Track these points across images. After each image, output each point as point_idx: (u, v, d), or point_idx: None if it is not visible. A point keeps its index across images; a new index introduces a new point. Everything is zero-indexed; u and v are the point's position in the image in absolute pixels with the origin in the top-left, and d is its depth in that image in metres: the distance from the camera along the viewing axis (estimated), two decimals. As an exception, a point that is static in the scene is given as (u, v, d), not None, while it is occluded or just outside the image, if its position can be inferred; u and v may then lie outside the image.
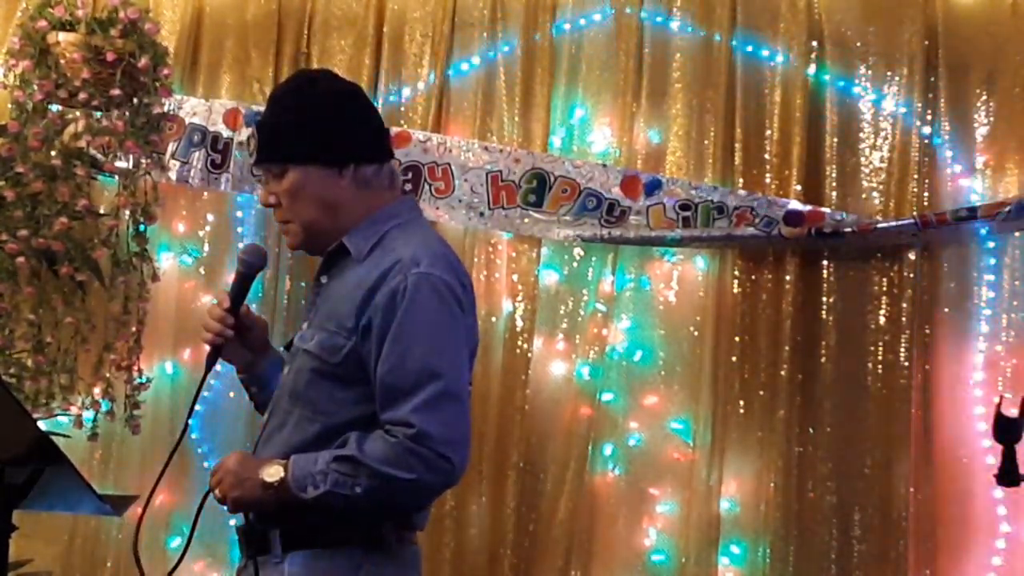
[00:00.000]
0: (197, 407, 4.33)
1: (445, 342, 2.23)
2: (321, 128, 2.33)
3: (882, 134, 4.26)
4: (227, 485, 2.26)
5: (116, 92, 4.04)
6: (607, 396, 4.30)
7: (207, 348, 2.42)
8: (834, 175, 4.26)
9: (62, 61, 4.05)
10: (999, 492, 3.94)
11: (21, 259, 3.93)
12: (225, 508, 2.30)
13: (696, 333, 4.28)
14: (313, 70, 2.63)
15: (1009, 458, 3.07)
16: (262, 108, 2.75)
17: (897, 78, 4.25)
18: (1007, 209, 4.00)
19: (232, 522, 2.35)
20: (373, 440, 2.19)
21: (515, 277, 4.37)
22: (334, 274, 2.37)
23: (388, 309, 2.21)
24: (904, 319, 4.16)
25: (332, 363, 2.27)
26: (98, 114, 4.12)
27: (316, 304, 2.39)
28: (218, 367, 2.48)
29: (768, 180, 4.29)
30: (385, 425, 2.20)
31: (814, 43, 4.31)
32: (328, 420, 2.26)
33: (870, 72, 4.28)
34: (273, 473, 2.21)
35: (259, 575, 2.27)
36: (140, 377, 4.17)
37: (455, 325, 2.25)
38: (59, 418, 4.10)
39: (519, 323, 4.34)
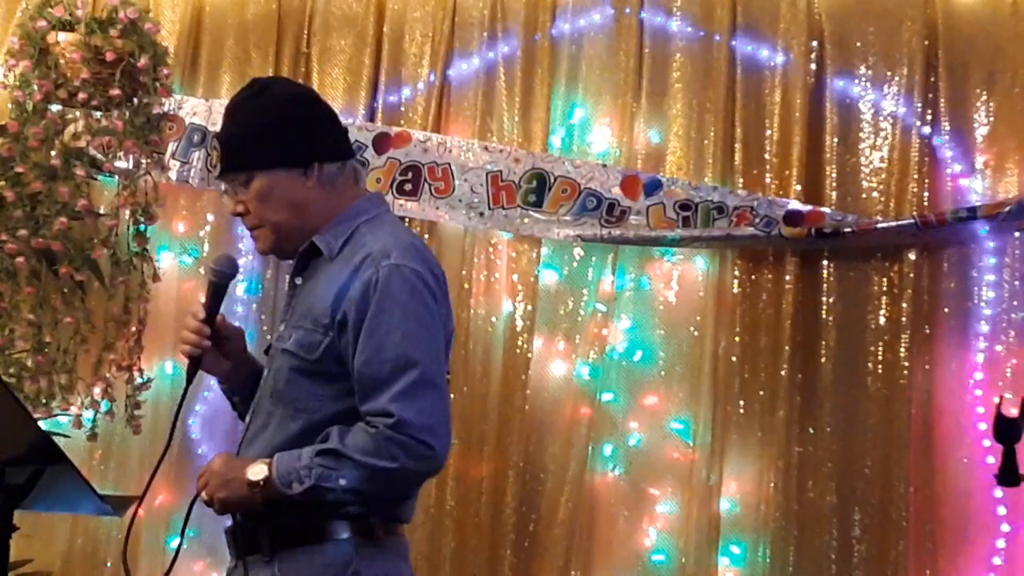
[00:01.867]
0: (197, 407, 4.36)
1: (420, 330, 2.25)
2: (283, 131, 2.35)
3: (882, 134, 4.26)
4: (213, 486, 2.28)
5: (116, 92, 4.05)
6: (607, 396, 4.30)
7: (186, 361, 2.43)
8: (834, 175, 4.26)
9: (62, 61, 4.05)
10: (999, 492, 3.94)
11: (21, 259, 3.93)
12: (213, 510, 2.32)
13: (696, 333, 4.28)
14: (265, 77, 2.65)
15: (1009, 458, 3.08)
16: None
17: (897, 78, 4.25)
18: (1007, 209, 4.00)
19: (229, 522, 2.36)
20: (354, 432, 2.22)
21: (515, 277, 4.37)
22: (308, 274, 2.40)
23: (362, 302, 2.24)
24: (904, 319, 4.16)
25: (310, 360, 2.29)
26: (98, 114, 4.12)
27: (292, 305, 2.41)
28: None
29: (768, 180, 4.29)
30: (365, 416, 2.22)
31: (814, 43, 4.31)
32: (310, 417, 2.28)
33: (870, 72, 4.28)
34: (258, 472, 2.23)
35: (248, 575, 2.28)
36: (141, 377, 4.17)
37: (429, 313, 2.27)
38: (59, 418, 4.10)
39: (519, 323, 4.34)
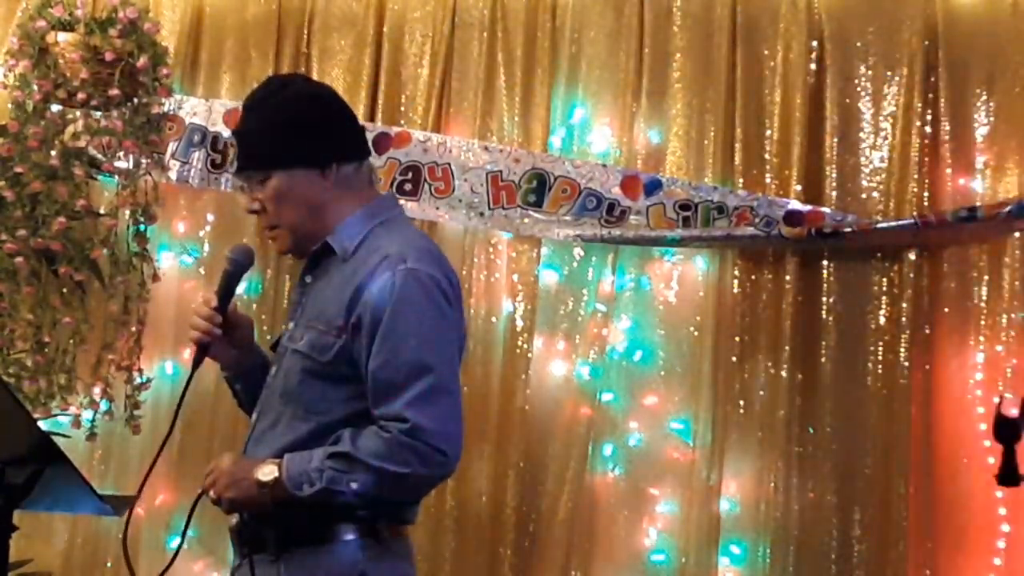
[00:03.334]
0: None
1: (435, 336, 2.25)
2: (301, 131, 2.34)
3: (882, 134, 4.26)
4: (222, 486, 2.28)
5: (115, 92, 4.05)
6: (607, 396, 4.30)
7: (194, 347, 2.44)
8: (834, 175, 4.26)
9: (61, 61, 4.05)
10: (999, 492, 3.93)
11: (20, 259, 3.93)
12: (220, 509, 2.32)
13: (696, 333, 4.28)
14: (284, 75, 2.65)
15: (1009, 458, 3.07)
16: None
17: (897, 78, 4.25)
18: (1007, 209, 4.00)
19: (234, 521, 2.36)
20: (367, 436, 2.21)
21: (515, 277, 4.37)
22: (319, 274, 2.40)
23: (377, 305, 2.23)
24: (904, 319, 4.15)
25: (323, 362, 2.29)
26: (97, 114, 4.12)
27: (302, 304, 2.41)
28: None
29: (768, 180, 4.28)
30: (379, 420, 2.22)
31: (814, 43, 4.31)
32: (320, 419, 2.28)
33: (870, 72, 4.27)
34: (268, 472, 2.23)
35: (255, 574, 2.28)
36: (140, 377, 4.17)
37: (444, 319, 2.28)
38: (58, 418, 4.09)
39: (519, 323, 4.33)
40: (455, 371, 2.29)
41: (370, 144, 4.28)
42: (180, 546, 2.42)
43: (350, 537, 2.25)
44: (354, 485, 2.19)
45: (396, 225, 2.39)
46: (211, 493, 2.30)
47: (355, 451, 2.19)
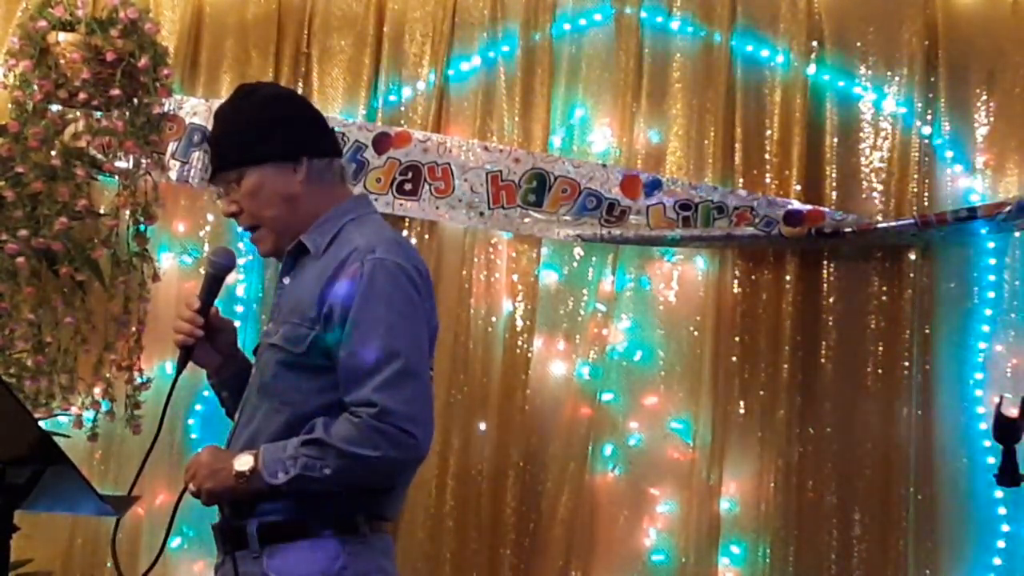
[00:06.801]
0: (197, 407, 4.36)
1: (403, 323, 2.29)
2: (270, 127, 2.40)
3: (882, 134, 4.26)
4: (200, 477, 2.32)
5: (116, 92, 4.05)
6: (607, 396, 4.30)
7: (178, 350, 2.48)
8: (834, 175, 4.26)
9: (62, 61, 4.06)
10: (999, 492, 3.94)
11: (21, 259, 3.93)
12: (200, 502, 2.35)
13: (696, 333, 4.28)
14: (252, 83, 2.72)
15: (1009, 458, 3.09)
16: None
17: (897, 78, 4.26)
18: (1007, 209, 4.00)
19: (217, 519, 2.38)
20: (339, 423, 2.25)
21: (515, 277, 4.37)
22: (296, 272, 2.44)
23: (347, 295, 2.28)
24: (904, 319, 4.16)
25: (296, 353, 2.33)
26: (98, 114, 4.13)
27: (279, 303, 2.45)
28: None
29: (768, 180, 4.29)
30: (349, 407, 2.25)
31: (814, 43, 4.31)
32: (295, 410, 2.32)
33: (870, 72, 4.28)
34: (244, 462, 2.27)
35: (238, 570, 2.30)
36: (141, 377, 4.17)
37: (412, 307, 2.32)
38: (59, 418, 4.10)
39: (519, 323, 4.33)
40: (424, 357, 2.33)
41: (370, 144, 4.36)
42: (165, 543, 2.44)
43: (329, 532, 2.29)
44: (327, 471, 2.22)
45: (367, 221, 2.44)
46: (191, 485, 2.33)
47: (327, 437, 2.23)
